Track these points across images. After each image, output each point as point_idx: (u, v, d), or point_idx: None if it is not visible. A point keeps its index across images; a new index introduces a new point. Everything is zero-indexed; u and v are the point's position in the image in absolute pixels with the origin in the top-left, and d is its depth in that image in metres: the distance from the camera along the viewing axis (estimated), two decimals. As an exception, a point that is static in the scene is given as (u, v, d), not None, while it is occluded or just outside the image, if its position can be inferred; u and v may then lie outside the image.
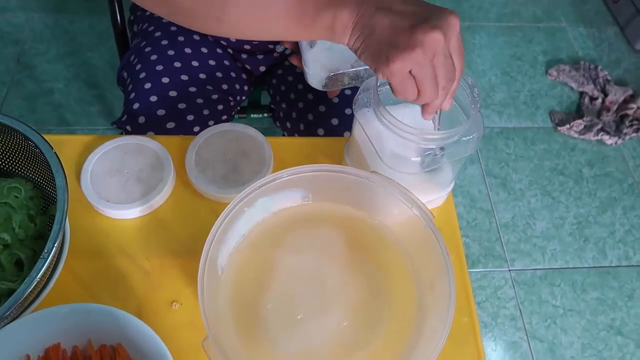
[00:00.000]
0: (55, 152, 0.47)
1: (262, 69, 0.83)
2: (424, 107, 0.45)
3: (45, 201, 0.52)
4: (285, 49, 0.80)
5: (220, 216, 0.46)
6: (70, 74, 1.51)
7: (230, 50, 0.81)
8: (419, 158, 0.47)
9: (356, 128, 0.52)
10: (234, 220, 0.48)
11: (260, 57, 0.81)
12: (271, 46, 0.80)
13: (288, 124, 0.81)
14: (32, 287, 0.41)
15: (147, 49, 0.76)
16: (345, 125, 0.74)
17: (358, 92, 0.50)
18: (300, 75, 0.79)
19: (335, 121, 0.75)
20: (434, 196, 0.56)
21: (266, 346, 0.46)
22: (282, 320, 0.47)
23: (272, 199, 0.51)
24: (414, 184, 0.53)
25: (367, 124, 0.49)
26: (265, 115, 0.96)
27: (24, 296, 0.41)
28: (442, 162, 0.49)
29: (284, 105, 0.81)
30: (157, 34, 0.78)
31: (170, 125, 0.72)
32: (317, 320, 0.47)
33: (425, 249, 0.47)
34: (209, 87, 0.76)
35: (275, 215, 0.52)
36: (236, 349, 0.45)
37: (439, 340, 0.41)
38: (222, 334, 0.44)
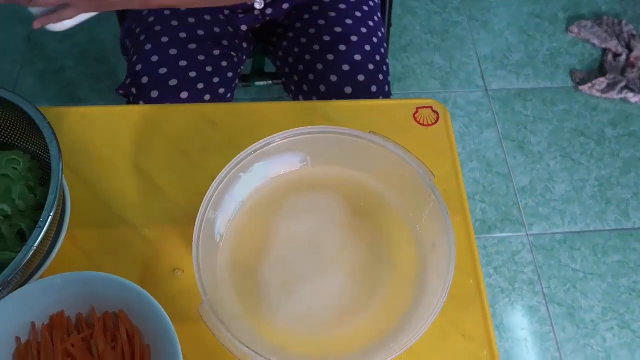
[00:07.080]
0: (48, 122, 0.47)
1: (244, 27, 0.81)
2: None
3: (45, 172, 0.52)
4: (266, 7, 0.78)
5: (215, 181, 0.46)
6: (80, 51, 1.51)
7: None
8: None
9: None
10: (230, 186, 0.48)
11: (241, 15, 0.79)
12: (249, 3, 0.77)
13: (292, 87, 0.79)
14: (31, 254, 0.41)
15: (145, 12, 0.78)
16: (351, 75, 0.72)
17: None
18: (296, 39, 0.77)
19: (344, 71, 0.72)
20: None
21: (267, 311, 0.46)
22: (282, 285, 0.47)
23: (269, 164, 0.50)
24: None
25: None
26: (270, 82, 0.95)
27: (23, 264, 0.41)
28: None
29: (287, 70, 0.80)
30: None
31: (173, 82, 0.72)
32: (317, 284, 0.47)
33: (426, 209, 0.46)
34: (209, 43, 0.76)
35: (274, 181, 0.51)
36: (236, 314, 0.45)
37: (439, 299, 0.40)
38: (222, 299, 0.44)
